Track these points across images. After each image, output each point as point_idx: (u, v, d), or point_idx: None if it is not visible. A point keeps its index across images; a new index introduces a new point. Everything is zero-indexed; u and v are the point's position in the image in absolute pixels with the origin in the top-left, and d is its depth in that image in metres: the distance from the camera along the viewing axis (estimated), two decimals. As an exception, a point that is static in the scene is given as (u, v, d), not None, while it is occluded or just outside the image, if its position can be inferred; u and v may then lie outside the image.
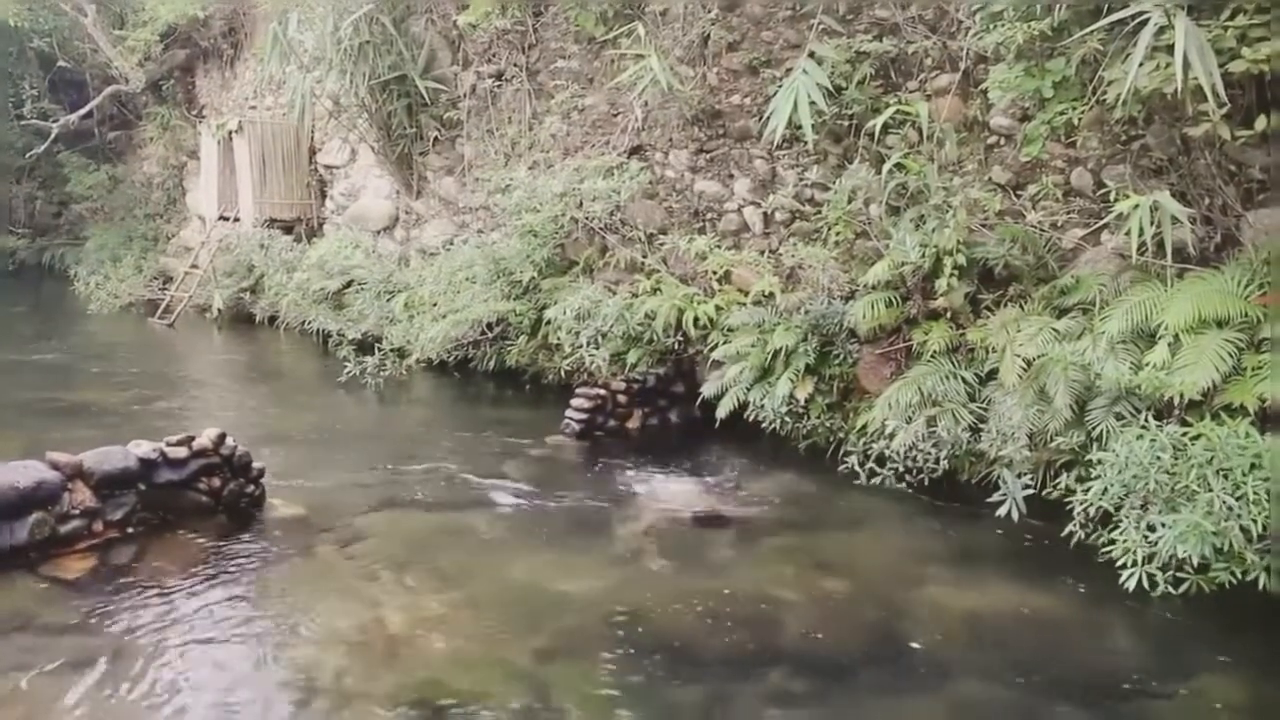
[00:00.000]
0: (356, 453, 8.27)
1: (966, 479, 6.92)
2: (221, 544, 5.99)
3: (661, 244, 9.40)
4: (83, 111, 19.14)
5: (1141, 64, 5.61)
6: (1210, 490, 5.05)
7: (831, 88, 7.73)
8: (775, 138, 7.84)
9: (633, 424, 8.99)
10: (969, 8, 7.26)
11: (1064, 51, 6.46)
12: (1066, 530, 5.86)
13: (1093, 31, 6.03)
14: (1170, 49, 5.43)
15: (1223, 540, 4.93)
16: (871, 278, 7.45)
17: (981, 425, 6.67)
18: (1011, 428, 6.32)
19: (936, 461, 6.82)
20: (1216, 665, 4.77)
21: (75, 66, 19.05)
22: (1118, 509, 5.49)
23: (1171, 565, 5.13)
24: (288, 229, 15.04)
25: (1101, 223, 6.76)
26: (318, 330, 12.52)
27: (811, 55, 7.82)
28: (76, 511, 5.70)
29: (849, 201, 7.84)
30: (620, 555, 6.20)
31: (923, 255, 7.18)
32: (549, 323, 9.44)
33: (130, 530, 5.93)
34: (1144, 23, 5.58)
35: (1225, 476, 5.08)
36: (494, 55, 11.72)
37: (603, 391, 8.85)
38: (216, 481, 6.32)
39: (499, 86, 11.71)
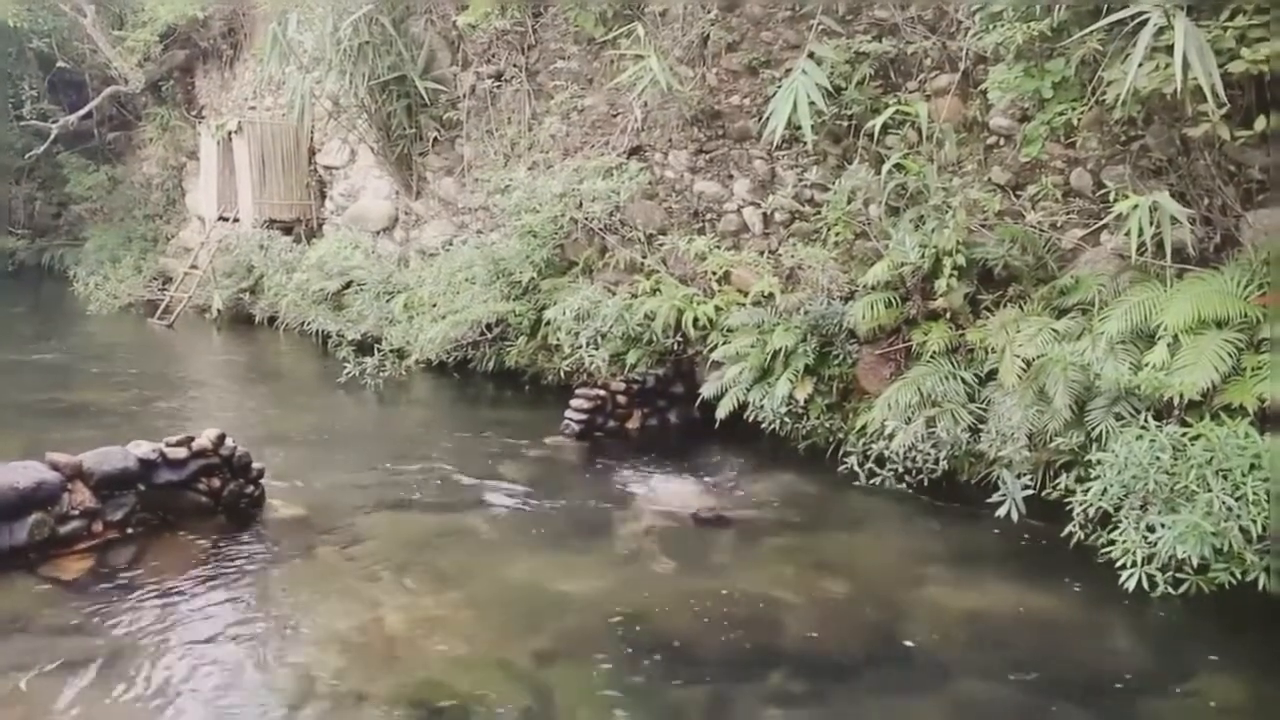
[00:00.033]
0: (356, 453, 8.26)
1: (966, 479, 6.92)
2: (221, 544, 5.99)
3: (661, 244, 9.40)
4: (82, 112, 19.13)
5: (1141, 64, 5.62)
6: (1210, 491, 5.05)
7: (831, 88, 7.73)
8: (775, 138, 7.84)
9: (632, 424, 8.99)
10: (968, 8, 7.26)
11: (1063, 52, 6.46)
12: (1066, 531, 5.86)
13: (1092, 32, 6.03)
14: (1170, 49, 5.43)
15: (1222, 541, 4.93)
16: (871, 278, 7.45)
17: (981, 426, 6.68)
18: (1011, 428, 6.32)
19: (936, 462, 6.82)
20: (1216, 665, 4.77)
21: (74, 67, 19.04)
22: (1117, 509, 5.49)
23: (1171, 566, 5.13)
24: (287, 229, 15.03)
25: (1101, 223, 6.77)
26: (317, 331, 12.51)
27: (811, 56, 7.82)
28: (76, 512, 5.70)
29: (848, 202, 7.85)
30: (620, 556, 6.20)
31: (922, 256, 7.18)
32: (548, 323, 9.44)
33: (130, 531, 5.93)
34: (1143, 23, 5.59)
35: (1225, 477, 5.08)
36: (493, 56, 11.72)
37: (602, 392, 8.85)
38: (216, 482, 6.31)
39: (498, 87, 11.71)
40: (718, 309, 8.59)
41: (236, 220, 15.30)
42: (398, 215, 13.67)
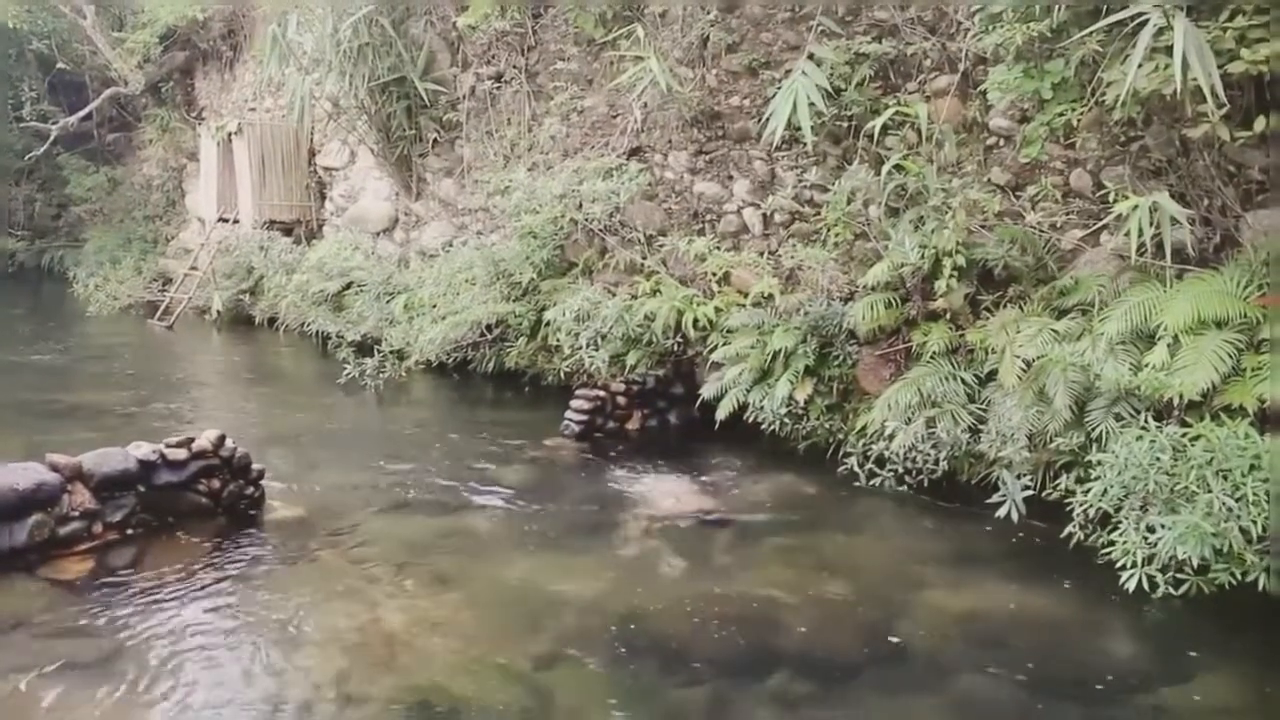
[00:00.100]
0: (356, 454, 8.26)
1: (966, 480, 6.91)
2: (221, 546, 5.99)
3: (661, 245, 9.41)
4: (82, 114, 19.16)
5: (1140, 65, 5.61)
6: (1210, 491, 5.04)
7: (831, 89, 7.73)
8: (774, 139, 7.84)
9: (632, 425, 8.99)
10: (968, 9, 7.27)
11: (1063, 53, 6.46)
12: (1066, 531, 5.86)
13: (1092, 33, 6.03)
14: (1169, 50, 5.43)
15: (1222, 541, 4.93)
16: (871, 279, 7.46)
17: (981, 426, 6.68)
18: (1011, 429, 6.32)
19: (936, 462, 6.82)
20: (1216, 666, 4.77)
21: (74, 69, 19.07)
22: (1117, 510, 5.48)
23: (1171, 566, 5.13)
24: (287, 231, 15.05)
25: (1101, 224, 6.77)
26: (317, 332, 12.52)
27: (811, 57, 7.83)
28: (76, 513, 5.69)
29: (848, 203, 7.85)
30: (620, 557, 6.19)
31: (922, 256, 7.18)
32: (548, 324, 9.44)
33: (130, 532, 5.93)
34: (1143, 24, 5.58)
35: (1225, 477, 5.08)
36: (493, 57, 11.73)
37: (602, 393, 8.85)
38: (216, 483, 6.31)
39: (498, 88, 11.71)
40: (718, 310, 8.59)
41: (236, 221, 15.31)
42: (397, 216, 13.67)
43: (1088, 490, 5.63)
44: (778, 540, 6.41)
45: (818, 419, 7.81)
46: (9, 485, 5.45)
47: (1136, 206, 5.91)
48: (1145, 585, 5.18)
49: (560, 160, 10.50)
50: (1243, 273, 5.92)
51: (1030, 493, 6.37)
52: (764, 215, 8.94)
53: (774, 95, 7.98)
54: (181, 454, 6.19)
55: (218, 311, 14.92)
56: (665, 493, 7.26)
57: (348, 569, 5.78)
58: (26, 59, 19.89)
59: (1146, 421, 5.57)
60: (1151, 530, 5.24)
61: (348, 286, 12.80)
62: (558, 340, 9.26)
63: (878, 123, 7.53)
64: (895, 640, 5.00)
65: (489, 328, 10.17)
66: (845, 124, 8.12)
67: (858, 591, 5.60)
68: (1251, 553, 4.91)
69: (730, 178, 9.24)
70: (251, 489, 6.52)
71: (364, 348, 10.80)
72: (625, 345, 8.90)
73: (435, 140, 12.65)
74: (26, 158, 19.94)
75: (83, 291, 16.72)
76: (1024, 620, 5.25)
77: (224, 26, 17.23)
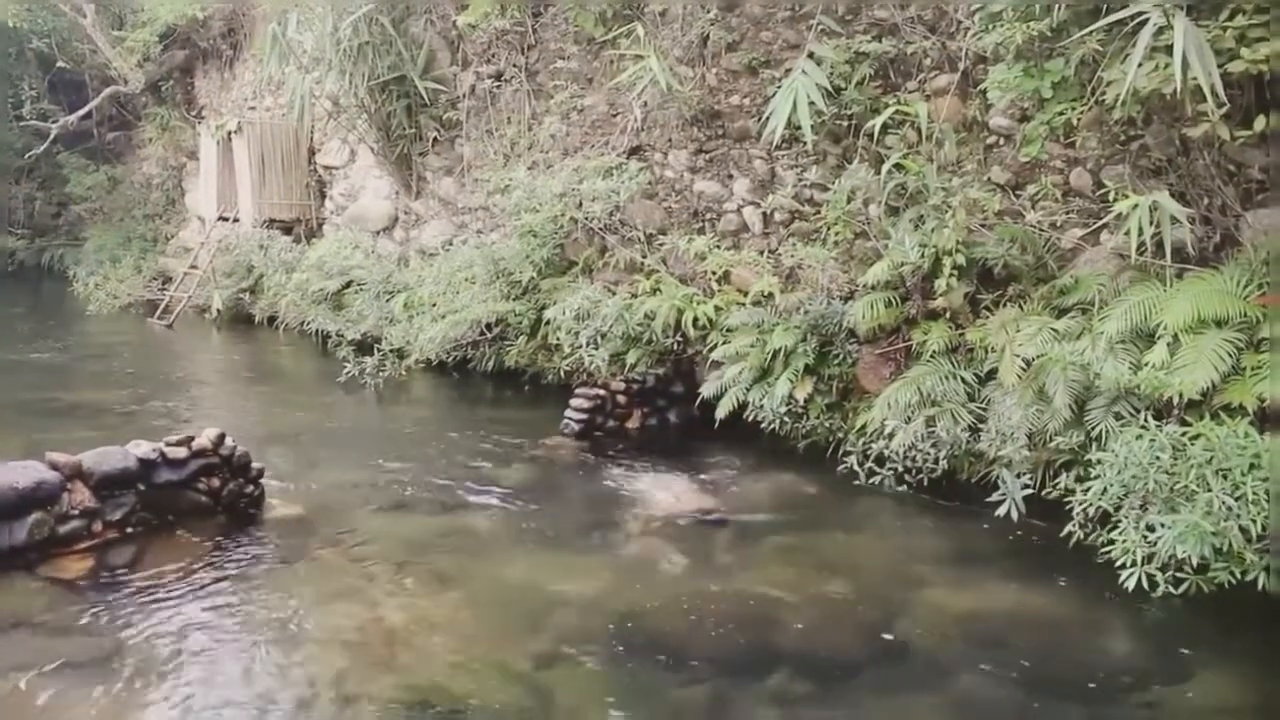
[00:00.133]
0: (355, 453, 8.26)
1: (966, 479, 6.92)
2: (221, 544, 5.99)
3: (661, 244, 9.41)
4: (82, 112, 19.14)
5: (1140, 64, 5.62)
6: (1209, 490, 5.05)
7: (830, 88, 7.73)
8: (774, 138, 7.83)
9: (632, 424, 8.99)
10: (968, 8, 7.26)
11: (1063, 52, 6.46)
12: (1066, 530, 5.86)
13: (1092, 32, 6.03)
14: (1169, 49, 5.43)
15: (1222, 540, 4.93)
16: (871, 278, 7.46)
17: (981, 425, 6.68)
18: (1011, 428, 6.32)
19: (936, 461, 6.82)
20: (1215, 665, 4.77)
21: (74, 67, 19.06)
22: (1117, 509, 5.49)
23: (1171, 565, 5.13)
24: (287, 229, 15.04)
25: (1101, 223, 6.77)
26: (317, 331, 12.52)
27: (811, 56, 7.82)
28: (76, 512, 5.69)
29: (848, 202, 7.85)
30: (619, 555, 6.20)
31: (922, 255, 7.18)
32: (548, 323, 9.44)
33: (129, 530, 5.93)
34: (1143, 23, 5.58)
35: (1224, 476, 5.08)
36: (493, 56, 11.72)
37: (602, 392, 8.85)
38: (216, 482, 6.31)
39: (498, 87, 11.71)
40: (717, 309, 8.59)
41: (236, 220, 15.31)
42: (397, 215, 13.67)
43: (1087, 489, 5.63)
44: (777, 539, 6.41)
45: (817, 418, 7.81)
46: (9, 483, 5.45)
47: (1136, 205, 5.91)
48: (1145, 584, 5.18)
49: (560, 159, 10.50)
50: (1242, 272, 5.92)
51: (1030, 491, 6.37)
52: (764, 214, 8.94)
53: (774, 94, 7.98)
54: (181, 452, 6.19)
55: (217, 310, 14.92)
56: (665, 491, 7.26)
57: (347, 568, 5.78)
58: (26, 58, 19.88)
59: (1146, 420, 5.57)
60: (1151, 529, 5.24)
61: (347, 285, 12.79)
62: (557, 339, 9.26)
63: (878, 121, 7.52)
64: (895, 639, 5.01)
65: (489, 326, 10.17)
66: (845, 123, 8.12)
67: (857, 590, 5.60)
68: (1251, 552, 4.92)
69: (730, 176, 9.23)
70: (251, 487, 6.52)
71: (364, 346, 10.81)
72: (625, 344, 8.90)
73: (435, 139, 12.65)
74: (26, 156, 19.93)
75: (82, 290, 16.71)
76: (1024, 619, 5.25)
77: (224, 25, 17.22)
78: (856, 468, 7.22)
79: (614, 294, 9.15)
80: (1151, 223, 5.88)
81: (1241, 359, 5.57)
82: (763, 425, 7.96)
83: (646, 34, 9.25)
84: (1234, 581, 5.00)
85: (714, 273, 8.78)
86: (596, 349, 8.85)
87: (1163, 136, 6.35)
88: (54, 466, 5.70)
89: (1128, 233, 5.97)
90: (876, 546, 6.42)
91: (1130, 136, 6.59)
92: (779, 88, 7.90)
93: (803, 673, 4.66)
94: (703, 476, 7.62)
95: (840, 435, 7.73)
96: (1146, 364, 5.80)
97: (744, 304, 8.48)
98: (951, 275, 7.08)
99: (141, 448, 6.07)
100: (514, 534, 6.47)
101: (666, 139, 9.68)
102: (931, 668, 4.74)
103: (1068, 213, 7.06)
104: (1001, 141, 7.44)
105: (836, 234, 7.99)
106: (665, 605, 5.31)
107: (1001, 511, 6.37)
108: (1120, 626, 5.19)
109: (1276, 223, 5.98)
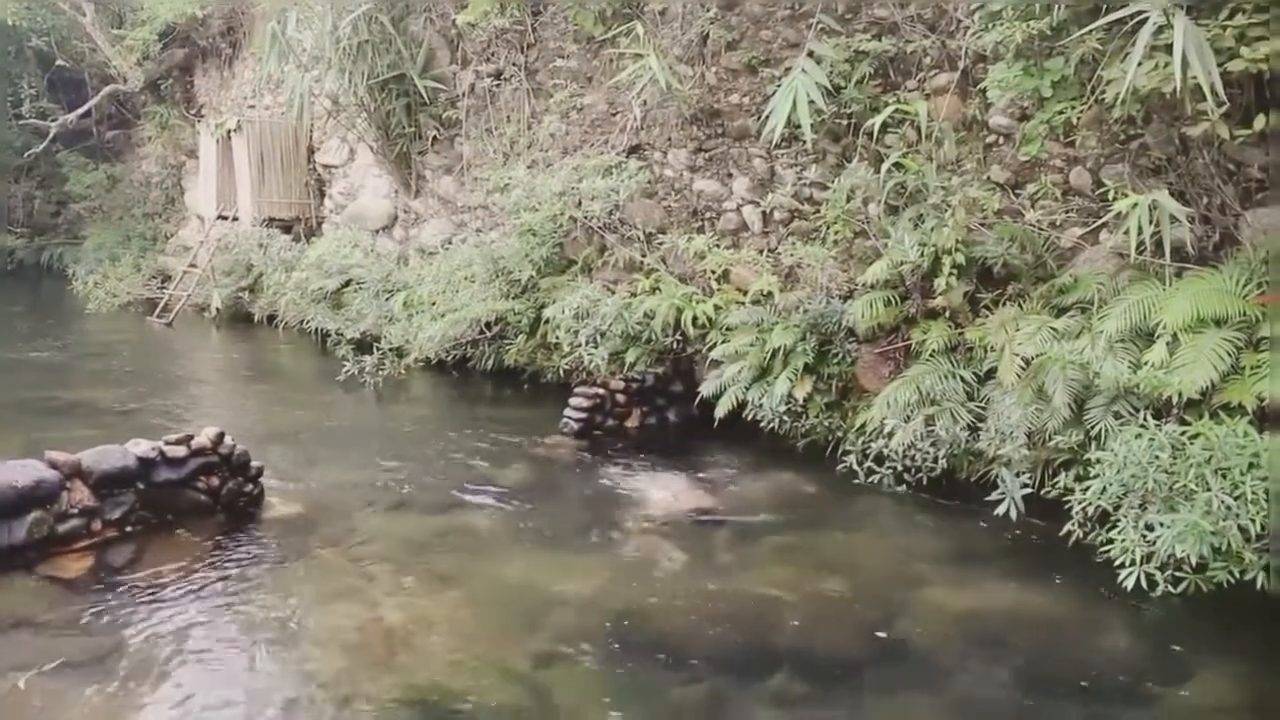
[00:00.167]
0: (355, 452, 8.26)
1: (965, 478, 6.92)
2: (220, 543, 5.99)
3: (660, 243, 9.40)
4: (81, 111, 19.14)
5: (1140, 63, 5.61)
6: (1208, 489, 5.05)
7: (830, 87, 7.73)
8: (774, 137, 7.83)
9: (631, 423, 8.99)
10: (968, 7, 7.26)
11: (1063, 50, 6.46)
12: (1065, 529, 5.86)
13: (1091, 30, 6.03)
14: (1169, 48, 5.43)
15: (1221, 540, 4.93)
16: (870, 277, 7.45)
17: (980, 424, 6.68)
18: (1010, 427, 6.32)
19: (935, 460, 6.82)
20: (1214, 664, 4.77)
21: (74, 66, 19.04)
22: (1116, 508, 5.49)
23: (1170, 565, 5.13)
24: (286, 228, 15.04)
25: (1100, 222, 6.77)
26: (316, 329, 12.52)
27: (810, 54, 7.82)
28: (75, 511, 5.69)
29: (848, 200, 7.84)
30: (618, 555, 6.19)
31: (921, 254, 7.18)
32: (547, 322, 9.44)
33: (128, 529, 5.92)
34: (1143, 22, 5.58)
35: (1223, 476, 5.08)
36: (493, 54, 11.71)
37: (601, 390, 8.85)
38: (215, 480, 6.31)
39: (498, 86, 11.70)
40: (717, 307, 8.59)
41: (235, 219, 15.30)
42: (397, 214, 13.67)
43: (1086, 488, 5.63)
44: (776, 538, 6.41)
45: (817, 417, 7.81)
46: (8, 482, 5.45)
47: (1136, 204, 5.90)
48: (1144, 583, 5.18)
49: (560, 158, 10.49)
50: (1242, 271, 5.92)
51: (1029, 491, 6.37)
52: (763, 213, 8.93)
53: (773, 93, 7.98)
54: (180, 451, 6.19)
55: (217, 309, 14.91)
56: (664, 490, 7.26)
57: (346, 567, 5.78)
58: (26, 56, 19.86)
59: (1145, 420, 5.57)
60: (1150, 528, 5.24)
61: (347, 284, 12.79)
62: (557, 338, 9.26)
63: (877, 120, 7.52)
64: (894, 638, 5.01)
65: (488, 325, 10.17)
66: (845, 122, 8.12)
67: (856, 589, 5.60)
68: (1250, 551, 4.92)
69: (730, 175, 9.23)
70: (250, 486, 6.52)
71: (363, 345, 10.81)
72: (624, 343, 8.90)
73: (435, 138, 12.64)
74: (26, 155, 19.92)
75: (82, 289, 16.70)
76: (1022, 618, 5.25)
77: (223, 24, 17.21)
78: (856, 467, 7.22)
79: (613, 293, 9.15)
80: (1151, 222, 5.88)
81: (1241, 358, 5.57)
82: (762, 424, 7.96)
83: (646, 32, 9.25)
84: (1233, 581, 5.00)
85: (713, 271, 8.77)
86: (596, 348, 8.85)
87: (1162, 135, 6.35)
88: (53, 465, 5.69)
89: (1127, 232, 5.97)
90: (875, 546, 6.42)
91: (1130, 135, 6.59)
92: (779, 86, 7.90)
93: (802, 672, 4.66)
94: (701, 475, 7.62)
95: (839, 434, 7.73)
96: (1146, 363, 5.80)
97: (743, 303, 8.48)
98: (951, 274, 7.08)
99: (141, 446, 6.07)
100: (513, 533, 6.47)
101: (666, 138, 9.67)
102: (930, 667, 4.74)
103: (1067, 212, 7.06)
104: (1001, 140, 7.44)
105: (836, 233, 7.99)
106: (664, 604, 5.31)
107: (1001, 511, 6.37)
108: (1119, 626, 5.19)
109: (1276, 222, 5.97)
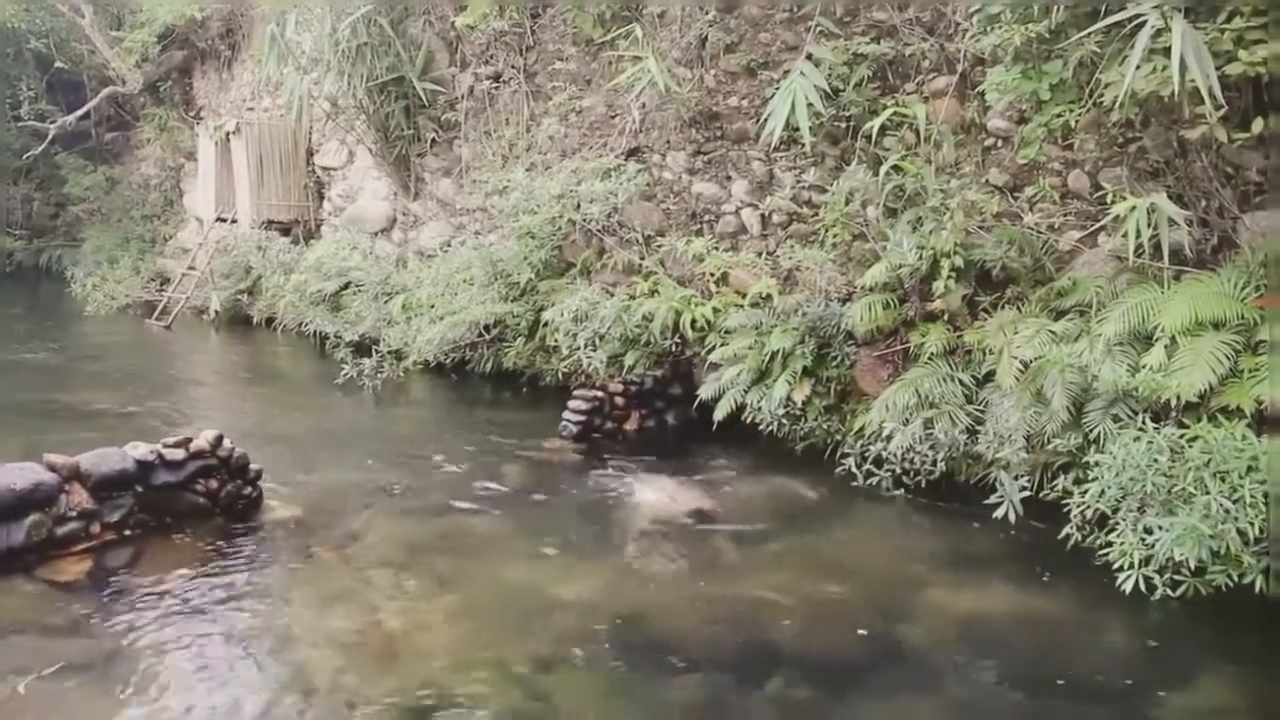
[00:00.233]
0: (353, 454, 8.25)
1: (964, 481, 6.92)
2: (219, 546, 5.98)
3: (659, 246, 9.41)
4: (80, 113, 19.13)
5: (1139, 66, 5.63)
6: (1207, 493, 5.05)
7: (829, 90, 7.74)
8: (773, 140, 7.84)
9: (630, 426, 8.99)
10: (966, 10, 7.27)
11: (1061, 54, 6.47)
12: (1064, 532, 5.86)
13: (1090, 34, 6.04)
14: (1167, 51, 5.44)
15: (1220, 543, 4.94)
16: (869, 280, 7.46)
17: (979, 427, 6.68)
18: (1009, 430, 6.32)
19: (934, 463, 6.82)
20: (1213, 668, 4.78)
21: (72, 68, 19.05)
22: (1115, 511, 5.49)
23: (1169, 568, 5.13)
24: (285, 230, 15.04)
25: (1099, 225, 6.78)
26: (315, 332, 12.52)
27: (809, 57, 7.83)
28: (73, 513, 5.69)
29: (846, 203, 7.85)
30: (617, 558, 6.19)
31: (920, 257, 7.19)
32: (546, 325, 9.44)
33: (127, 532, 5.92)
34: (1141, 25, 5.59)
35: (1222, 479, 5.08)
36: (492, 57, 11.72)
37: (600, 393, 8.85)
38: (214, 483, 6.31)
39: (497, 88, 11.71)
40: (716, 310, 8.59)
41: (234, 221, 15.30)
42: (396, 216, 13.67)
43: (1085, 491, 5.63)
44: (775, 541, 6.41)
45: (815, 420, 7.82)
46: (6, 485, 5.45)
47: (1134, 208, 5.91)
48: (1143, 587, 5.18)
49: (558, 160, 10.50)
50: (1240, 274, 5.93)
51: (1028, 494, 6.37)
52: (762, 216, 8.94)
53: (772, 96, 7.98)
54: (179, 454, 6.19)
55: (215, 311, 14.90)
56: (662, 493, 7.25)
57: (346, 569, 5.78)
58: (24, 58, 19.87)
59: (1144, 423, 5.57)
60: (1149, 531, 5.24)
61: (345, 286, 12.79)
62: (556, 340, 9.26)
63: (876, 123, 7.53)
64: (893, 641, 5.01)
65: (487, 328, 10.17)
66: (843, 125, 8.13)
67: (855, 592, 5.61)
68: (1249, 554, 4.92)
69: (728, 178, 9.24)
70: (249, 489, 6.52)
71: (362, 348, 10.79)
72: (623, 346, 8.90)
73: (433, 140, 12.65)
74: (24, 157, 19.91)
75: (80, 291, 16.68)
76: (1021, 621, 5.26)
77: (222, 26, 17.21)
78: (854, 470, 7.22)
79: (612, 296, 9.15)
80: (1149, 225, 5.89)
81: (1239, 361, 5.58)
82: (761, 427, 7.96)
83: (645, 35, 9.25)
84: (1231, 584, 5.00)
85: (712, 274, 8.78)
86: (594, 351, 8.85)
87: (1161, 139, 6.36)
88: (51, 468, 5.69)
89: (1125, 235, 5.98)
90: (874, 548, 6.42)
91: (1128, 139, 6.60)
92: (777, 89, 7.91)
93: (801, 674, 4.66)
94: (700, 478, 7.62)
95: (838, 437, 7.73)
96: (1144, 366, 5.81)
97: (742, 306, 8.48)
98: (949, 277, 7.08)
99: (139, 449, 6.06)
100: (511, 535, 6.46)
101: (665, 140, 9.68)
102: (930, 669, 4.74)
103: (1066, 215, 7.07)
104: (999, 143, 7.45)
105: (835, 236, 8.00)
106: (663, 607, 5.31)
107: (999, 514, 6.36)
108: (1118, 629, 5.19)
109: (1274, 225, 5.98)
